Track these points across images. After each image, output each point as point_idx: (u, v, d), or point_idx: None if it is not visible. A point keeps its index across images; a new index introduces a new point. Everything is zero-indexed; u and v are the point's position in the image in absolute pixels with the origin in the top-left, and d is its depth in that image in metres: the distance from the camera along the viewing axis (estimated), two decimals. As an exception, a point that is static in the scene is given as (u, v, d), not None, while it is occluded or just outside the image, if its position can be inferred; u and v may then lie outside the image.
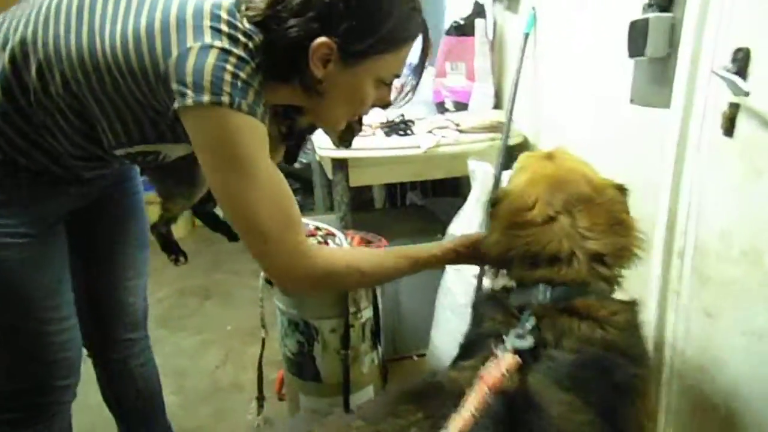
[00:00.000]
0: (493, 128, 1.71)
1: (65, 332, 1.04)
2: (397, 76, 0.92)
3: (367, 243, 1.55)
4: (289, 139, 1.02)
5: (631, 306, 0.86)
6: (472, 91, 2.00)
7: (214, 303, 2.61)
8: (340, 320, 1.41)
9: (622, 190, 0.92)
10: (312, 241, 1.61)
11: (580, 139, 1.53)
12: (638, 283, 1.01)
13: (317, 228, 1.62)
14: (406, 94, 0.99)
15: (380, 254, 1.01)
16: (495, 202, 0.94)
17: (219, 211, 1.22)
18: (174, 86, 0.79)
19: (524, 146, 1.84)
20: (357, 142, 1.77)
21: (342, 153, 1.70)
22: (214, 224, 1.24)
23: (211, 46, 0.78)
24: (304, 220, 1.70)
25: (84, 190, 1.05)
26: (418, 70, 0.97)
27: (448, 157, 1.69)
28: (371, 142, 1.71)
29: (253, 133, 0.81)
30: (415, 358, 1.98)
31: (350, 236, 1.59)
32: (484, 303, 0.90)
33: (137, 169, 1.21)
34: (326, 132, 1.09)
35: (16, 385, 1.02)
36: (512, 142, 1.74)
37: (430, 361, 1.85)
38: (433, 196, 2.51)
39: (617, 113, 1.35)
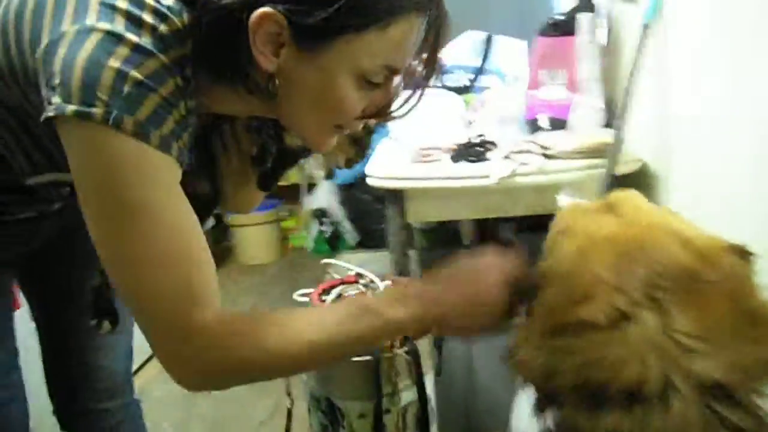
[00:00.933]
0: (594, 152, 1.28)
1: None
2: (394, 70, 0.62)
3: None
4: (258, 161, 0.74)
5: None
6: (573, 104, 1.58)
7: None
8: (370, 403, 1.09)
9: (744, 255, 0.54)
10: (351, 291, 1.31)
11: (739, 166, 1.05)
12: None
13: (359, 275, 1.32)
14: (406, 101, 0.67)
15: (330, 327, 0.62)
16: (526, 292, 0.57)
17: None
18: (43, 90, 0.55)
19: (642, 176, 1.38)
20: (418, 169, 1.47)
21: (397, 183, 1.38)
22: None
23: (93, 29, 0.53)
24: (346, 264, 1.41)
25: (22, 230, 0.84)
26: (429, 62, 0.64)
27: (530, 190, 1.29)
28: (434, 170, 1.38)
29: (143, 167, 0.55)
30: (493, 440, 1.58)
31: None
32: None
33: None
34: (326, 157, 0.81)
35: None
36: (624, 170, 1.30)
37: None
38: (528, 229, 2.08)
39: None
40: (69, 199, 0.77)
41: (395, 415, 1.10)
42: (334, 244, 3.48)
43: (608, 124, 1.60)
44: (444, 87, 2.00)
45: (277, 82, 0.58)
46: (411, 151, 1.50)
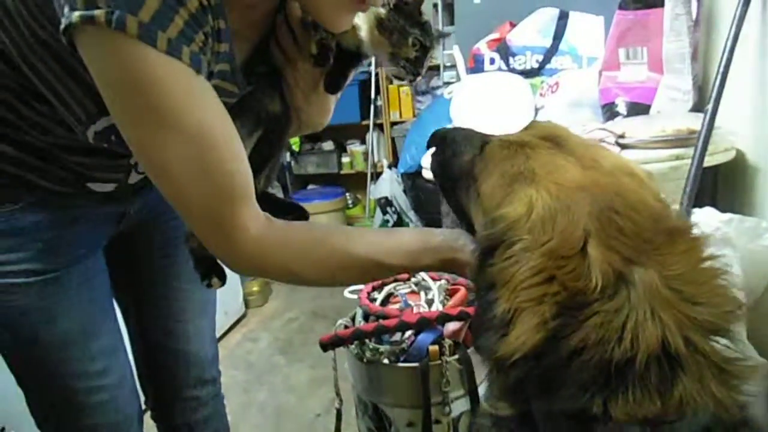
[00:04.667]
0: (678, 141, 1.13)
1: (101, 391, 0.85)
2: None
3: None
4: (320, 59, 0.71)
5: None
6: (659, 87, 1.41)
7: (343, 331, 2.40)
8: (419, 412, 1.02)
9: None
10: (404, 288, 1.25)
11: None
12: None
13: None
14: None
15: (349, 253, 0.69)
16: (488, 251, 0.50)
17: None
18: (58, 10, 0.56)
19: (737, 168, 1.20)
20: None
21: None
22: (275, 207, 0.91)
23: None
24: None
25: (109, 210, 0.85)
26: None
27: (603, 185, 1.15)
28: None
29: (153, 73, 0.54)
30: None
31: (457, 287, 1.19)
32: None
33: None
34: (379, 62, 0.76)
35: None
36: (714, 161, 1.14)
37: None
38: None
39: None
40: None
41: (446, 425, 1.03)
42: (397, 233, 3.43)
43: (698, 110, 1.43)
44: (511, 70, 1.87)
45: None
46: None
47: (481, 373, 1.04)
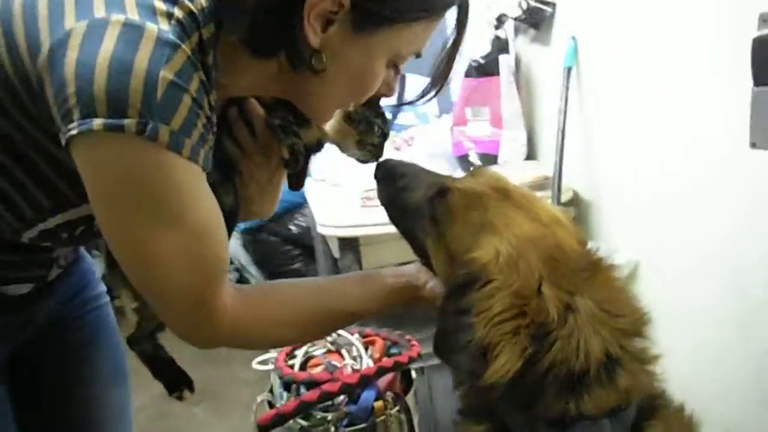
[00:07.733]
0: (536, 186, 1.36)
1: None
2: (418, 55, 0.65)
3: (392, 344, 1.19)
4: (292, 164, 0.73)
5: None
6: (501, 139, 1.67)
7: (206, 409, 2.19)
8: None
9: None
10: (319, 350, 1.23)
11: (664, 193, 1.18)
12: None
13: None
14: (434, 87, 0.72)
15: (320, 308, 0.70)
16: (463, 284, 0.59)
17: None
18: (51, 103, 0.49)
19: (576, 204, 1.48)
20: (371, 214, 1.44)
21: (351, 231, 1.34)
22: None
23: (107, 22, 0.48)
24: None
25: (14, 319, 0.70)
26: (449, 55, 0.68)
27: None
28: (381, 215, 1.35)
29: (173, 179, 0.53)
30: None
31: (371, 338, 1.22)
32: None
33: (93, 267, 0.85)
34: (342, 148, 0.80)
35: None
36: (560, 198, 1.39)
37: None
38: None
39: (723, 159, 1.00)
40: (74, 242, 0.67)
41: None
42: (239, 291, 3.28)
43: (530, 157, 1.72)
44: (365, 126, 2.01)
45: (324, 58, 0.57)
46: (356, 196, 1.46)
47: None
